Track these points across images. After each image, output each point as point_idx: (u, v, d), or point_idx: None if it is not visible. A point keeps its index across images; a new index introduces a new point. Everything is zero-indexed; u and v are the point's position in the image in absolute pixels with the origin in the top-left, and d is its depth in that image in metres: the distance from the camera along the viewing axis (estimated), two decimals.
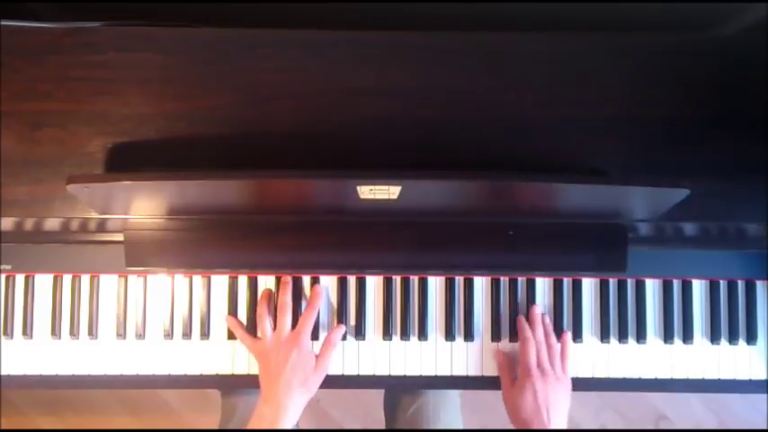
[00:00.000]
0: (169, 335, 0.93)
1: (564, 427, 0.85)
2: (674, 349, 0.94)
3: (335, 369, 0.92)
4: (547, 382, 0.86)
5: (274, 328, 0.89)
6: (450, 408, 1.05)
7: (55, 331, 0.92)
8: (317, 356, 0.89)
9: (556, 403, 0.85)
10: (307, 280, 0.94)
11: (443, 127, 0.83)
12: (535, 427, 0.83)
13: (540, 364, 0.88)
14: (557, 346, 0.91)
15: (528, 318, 0.93)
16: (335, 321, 0.93)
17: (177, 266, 0.90)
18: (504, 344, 0.94)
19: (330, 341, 0.90)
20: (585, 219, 0.85)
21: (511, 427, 0.88)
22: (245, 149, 0.82)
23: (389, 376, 0.93)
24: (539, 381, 0.86)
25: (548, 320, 0.93)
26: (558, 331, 0.93)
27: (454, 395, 1.07)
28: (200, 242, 0.85)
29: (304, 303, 0.93)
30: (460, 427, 1.07)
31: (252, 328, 0.92)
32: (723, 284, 0.95)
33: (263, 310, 0.90)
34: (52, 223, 0.86)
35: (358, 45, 0.84)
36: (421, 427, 1.03)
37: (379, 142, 0.82)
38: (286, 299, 0.89)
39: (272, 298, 0.92)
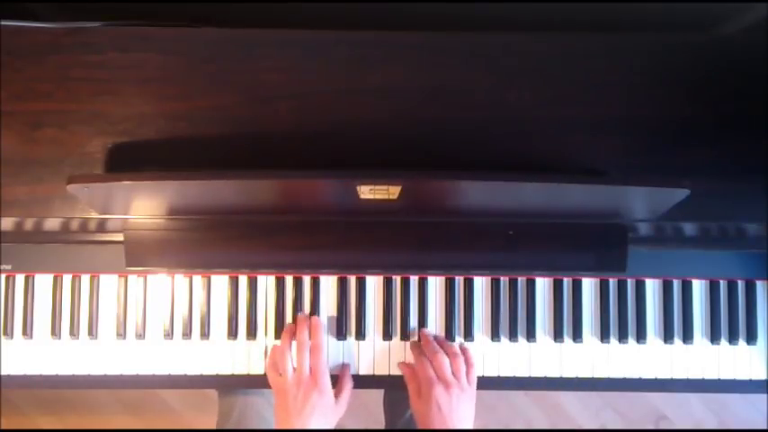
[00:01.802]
0: (169, 335, 0.93)
1: None
2: (674, 349, 0.94)
3: (336, 369, 0.92)
4: (451, 394, 0.84)
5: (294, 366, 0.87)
6: None
7: (55, 331, 0.92)
8: (335, 393, 0.87)
9: (461, 414, 0.84)
10: (307, 280, 0.94)
11: (443, 127, 0.83)
12: None
13: (442, 376, 0.85)
14: (460, 356, 0.88)
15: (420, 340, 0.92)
16: (336, 321, 0.93)
17: (177, 266, 0.90)
18: (504, 343, 0.94)
19: (349, 378, 0.90)
20: (585, 219, 0.85)
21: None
22: (245, 149, 0.82)
23: (389, 376, 0.93)
24: (442, 394, 0.84)
25: (441, 338, 0.92)
26: (559, 332, 0.94)
27: None
28: (201, 242, 0.85)
29: (305, 302, 0.93)
30: None
31: (252, 328, 0.93)
32: (723, 284, 0.95)
33: (284, 346, 0.88)
34: (52, 223, 0.86)
35: (358, 45, 0.84)
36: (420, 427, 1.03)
37: (379, 142, 0.82)
38: (303, 337, 0.88)
39: (293, 333, 0.90)
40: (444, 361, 0.87)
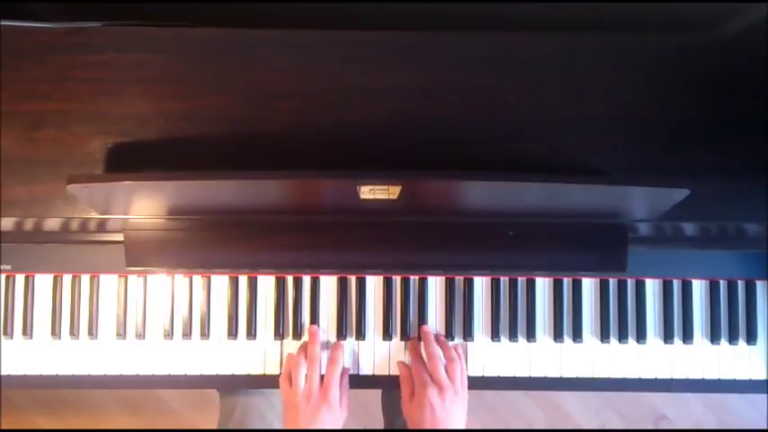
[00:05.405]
0: (169, 335, 0.93)
1: None
2: (674, 349, 0.94)
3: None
4: (444, 398, 0.84)
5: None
6: None
7: (55, 331, 0.92)
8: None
9: (453, 417, 0.84)
10: (307, 280, 0.94)
11: (443, 127, 0.83)
12: None
13: (436, 378, 0.86)
14: (457, 360, 0.88)
15: (420, 338, 0.92)
16: (336, 321, 0.93)
17: (177, 266, 0.90)
18: (504, 343, 0.94)
19: (346, 384, 0.90)
20: (585, 219, 0.85)
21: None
22: (245, 149, 0.82)
23: (390, 376, 0.93)
24: (435, 396, 0.84)
25: (442, 338, 0.92)
26: (559, 332, 0.94)
27: None
28: (201, 242, 0.85)
29: (305, 302, 0.93)
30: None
31: (252, 328, 0.93)
32: (723, 284, 0.95)
33: (299, 357, 0.88)
34: (52, 223, 0.86)
35: (358, 45, 0.84)
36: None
37: (379, 142, 0.82)
38: (315, 351, 0.89)
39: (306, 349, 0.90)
40: (440, 363, 0.87)
